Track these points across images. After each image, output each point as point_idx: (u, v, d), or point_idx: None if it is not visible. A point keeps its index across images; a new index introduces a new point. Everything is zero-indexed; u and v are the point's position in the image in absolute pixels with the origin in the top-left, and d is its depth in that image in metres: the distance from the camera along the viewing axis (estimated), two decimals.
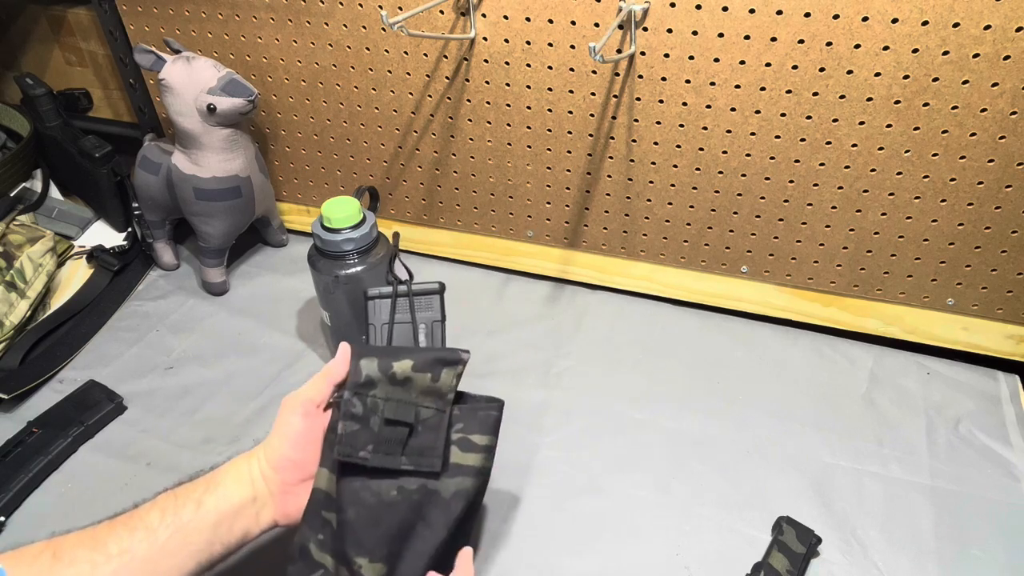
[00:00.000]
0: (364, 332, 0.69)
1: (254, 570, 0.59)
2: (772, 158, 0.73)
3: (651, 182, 0.80)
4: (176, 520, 0.48)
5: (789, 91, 0.68)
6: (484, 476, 0.55)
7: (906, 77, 0.64)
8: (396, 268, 0.72)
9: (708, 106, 0.72)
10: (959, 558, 0.61)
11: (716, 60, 0.69)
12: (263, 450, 0.53)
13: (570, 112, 0.77)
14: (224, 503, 0.50)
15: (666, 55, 0.70)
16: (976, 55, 0.61)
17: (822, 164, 0.72)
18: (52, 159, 1.02)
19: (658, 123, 0.75)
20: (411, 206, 0.93)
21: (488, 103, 0.80)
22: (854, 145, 0.69)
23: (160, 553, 0.47)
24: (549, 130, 0.80)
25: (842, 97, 0.67)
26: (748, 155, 0.74)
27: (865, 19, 0.62)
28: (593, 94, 0.75)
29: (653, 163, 0.78)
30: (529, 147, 0.82)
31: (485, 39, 0.76)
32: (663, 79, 0.72)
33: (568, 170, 0.82)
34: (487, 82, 0.79)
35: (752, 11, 0.65)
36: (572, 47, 0.73)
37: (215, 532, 0.49)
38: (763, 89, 0.69)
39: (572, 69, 0.74)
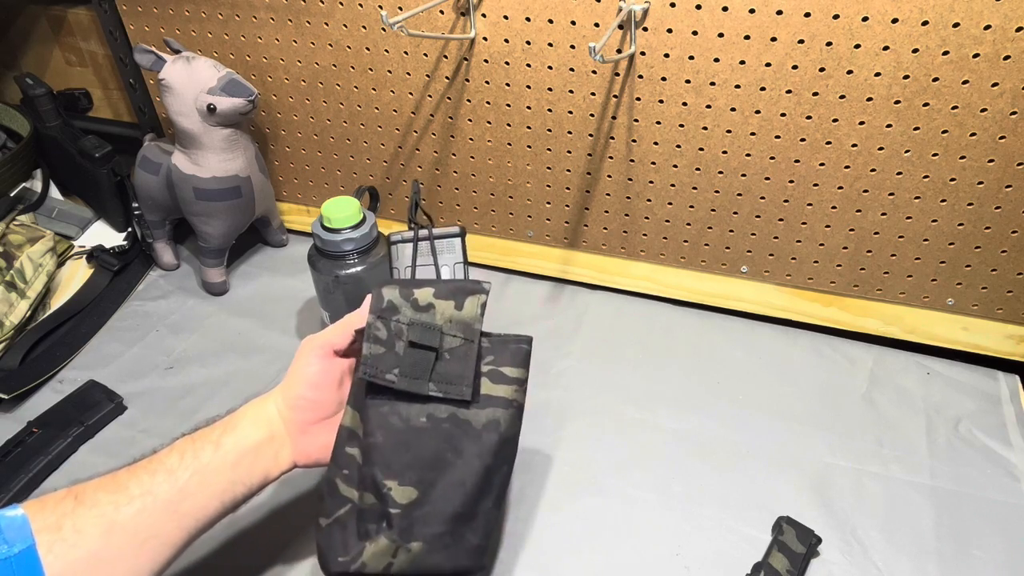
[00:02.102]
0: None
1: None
2: (772, 158, 0.73)
3: (651, 182, 0.80)
4: (195, 462, 0.49)
5: (789, 91, 0.68)
6: (517, 409, 0.54)
7: (906, 77, 0.64)
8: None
9: (708, 106, 0.72)
10: (959, 558, 0.61)
11: (716, 60, 0.69)
12: (280, 391, 0.54)
13: (570, 112, 0.77)
14: (242, 443, 0.51)
15: (666, 55, 0.70)
16: (976, 55, 0.61)
17: (822, 164, 0.72)
18: (52, 159, 1.02)
19: (658, 123, 0.75)
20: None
21: (488, 103, 0.80)
22: (854, 145, 0.69)
23: (181, 494, 0.48)
24: (549, 130, 0.80)
25: (842, 97, 0.67)
26: (748, 155, 0.74)
27: (865, 19, 0.62)
28: (593, 94, 0.75)
29: (653, 163, 0.78)
30: (529, 147, 0.82)
31: (485, 39, 0.76)
32: (663, 79, 0.72)
33: (568, 170, 0.82)
34: (487, 82, 0.79)
35: (752, 11, 0.65)
36: (572, 47, 0.73)
37: (235, 472, 0.50)
38: (763, 89, 0.69)
39: (572, 69, 0.74)
